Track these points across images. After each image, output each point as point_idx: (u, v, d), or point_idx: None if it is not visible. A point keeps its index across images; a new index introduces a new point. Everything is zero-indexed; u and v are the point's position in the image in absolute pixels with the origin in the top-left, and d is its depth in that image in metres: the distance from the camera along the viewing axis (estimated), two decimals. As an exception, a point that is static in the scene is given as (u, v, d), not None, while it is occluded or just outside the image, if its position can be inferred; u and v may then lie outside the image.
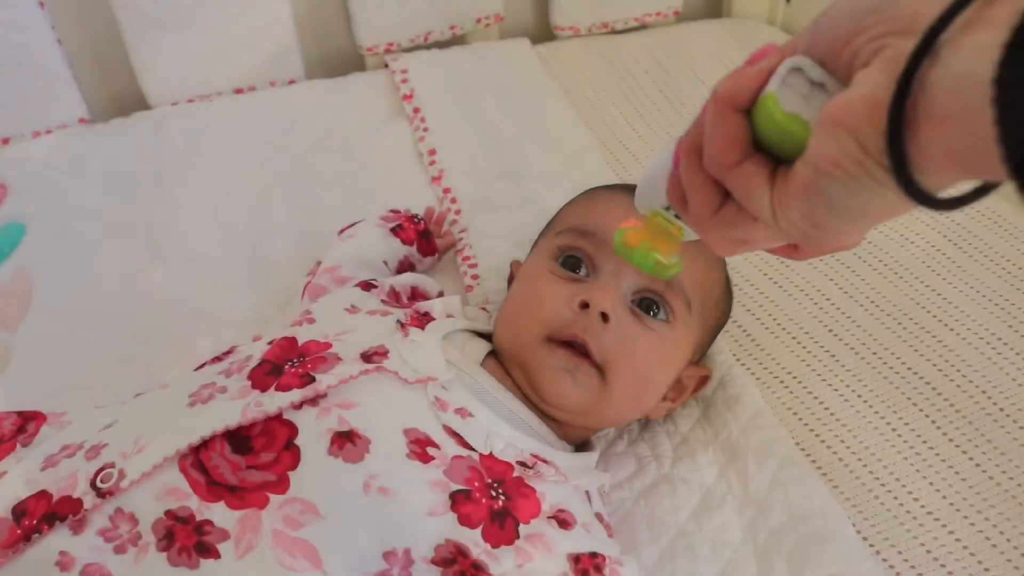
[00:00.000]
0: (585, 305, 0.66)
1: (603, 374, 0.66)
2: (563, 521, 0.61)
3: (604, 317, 0.66)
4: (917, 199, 0.33)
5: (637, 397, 0.70)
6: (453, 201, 0.99)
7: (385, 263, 0.86)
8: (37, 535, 0.55)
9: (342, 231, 0.88)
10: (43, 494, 0.57)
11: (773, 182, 0.38)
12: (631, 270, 0.68)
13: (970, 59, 0.30)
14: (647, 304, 0.69)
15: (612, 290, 0.67)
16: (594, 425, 0.72)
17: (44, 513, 0.56)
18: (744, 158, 0.38)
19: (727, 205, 0.40)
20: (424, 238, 0.89)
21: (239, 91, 1.17)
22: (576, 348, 0.66)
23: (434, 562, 0.57)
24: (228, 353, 0.71)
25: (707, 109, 0.39)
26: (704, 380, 0.76)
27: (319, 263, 0.84)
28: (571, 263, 0.71)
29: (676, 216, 0.47)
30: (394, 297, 0.78)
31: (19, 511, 0.56)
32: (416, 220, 0.90)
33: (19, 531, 0.55)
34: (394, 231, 0.87)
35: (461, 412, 0.62)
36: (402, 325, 0.67)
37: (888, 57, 0.33)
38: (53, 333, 0.87)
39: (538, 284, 0.71)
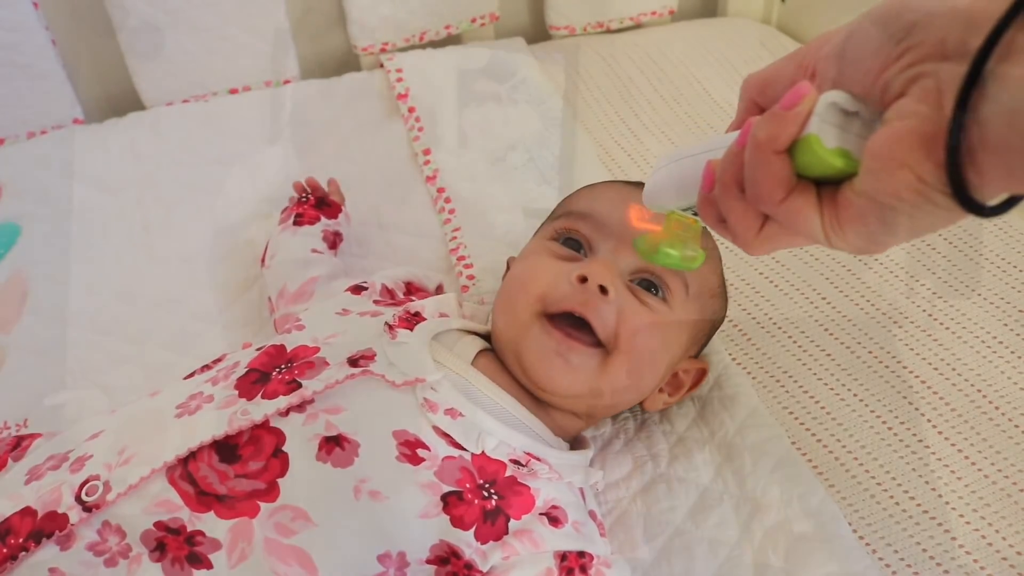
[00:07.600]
0: (584, 280, 0.65)
1: (606, 349, 0.65)
2: (554, 518, 0.61)
3: (603, 290, 0.65)
4: (979, 214, 0.35)
5: (637, 374, 0.67)
6: (448, 201, 0.99)
7: (315, 251, 0.85)
8: (24, 553, 0.54)
9: (263, 261, 0.88)
10: (27, 511, 0.56)
11: (821, 207, 0.39)
12: (629, 251, 0.68)
13: (1020, 94, 0.31)
14: (646, 284, 0.68)
15: (611, 265, 0.67)
16: (589, 411, 0.70)
17: (30, 531, 0.55)
18: (790, 193, 0.39)
19: (769, 224, 0.42)
20: (323, 205, 0.90)
21: (234, 91, 1.16)
22: (571, 330, 0.65)
23: (429, 561, 0.57)
24: (217, 361, 0.70)
25: (743, 146, 0.40)
26: (702, 374, 0.75)
27: (270, 299, 0.83)
28: (570, 244, 0.71)
29: (693, 212, 0.48)
30: (388, 295, 0.77)
31: (3, 530, 0.55)
32: (304, 198, 0.90)
33: (5, 550, 0.54)
34: (297, 223, 0.87)
35: (451, 412, 0.61)
36: (390, 327, 0.66)
37: (927, 87, 0.34)
38: (48, 334, 0.87)
39: (536, 260, 0.70)
